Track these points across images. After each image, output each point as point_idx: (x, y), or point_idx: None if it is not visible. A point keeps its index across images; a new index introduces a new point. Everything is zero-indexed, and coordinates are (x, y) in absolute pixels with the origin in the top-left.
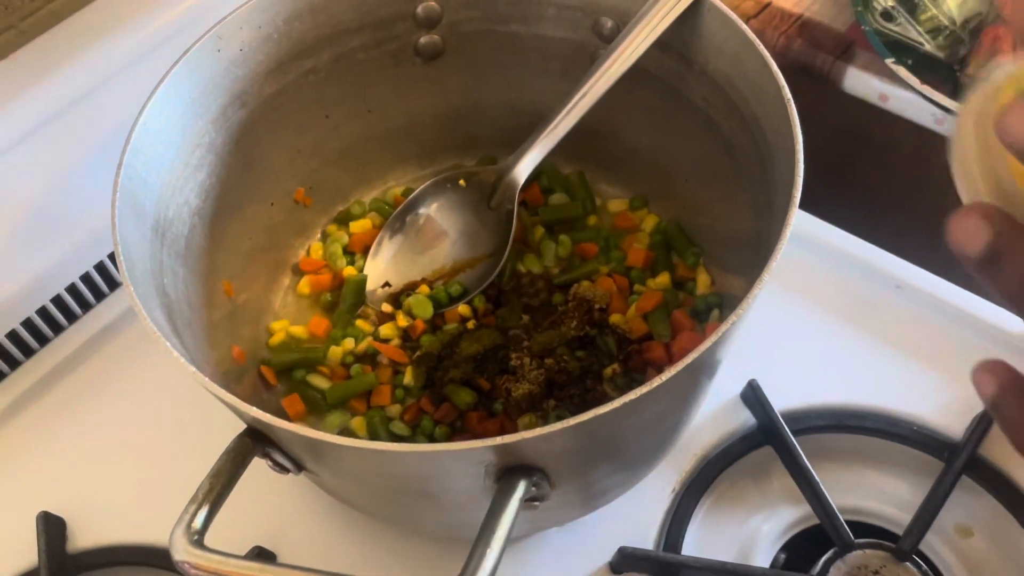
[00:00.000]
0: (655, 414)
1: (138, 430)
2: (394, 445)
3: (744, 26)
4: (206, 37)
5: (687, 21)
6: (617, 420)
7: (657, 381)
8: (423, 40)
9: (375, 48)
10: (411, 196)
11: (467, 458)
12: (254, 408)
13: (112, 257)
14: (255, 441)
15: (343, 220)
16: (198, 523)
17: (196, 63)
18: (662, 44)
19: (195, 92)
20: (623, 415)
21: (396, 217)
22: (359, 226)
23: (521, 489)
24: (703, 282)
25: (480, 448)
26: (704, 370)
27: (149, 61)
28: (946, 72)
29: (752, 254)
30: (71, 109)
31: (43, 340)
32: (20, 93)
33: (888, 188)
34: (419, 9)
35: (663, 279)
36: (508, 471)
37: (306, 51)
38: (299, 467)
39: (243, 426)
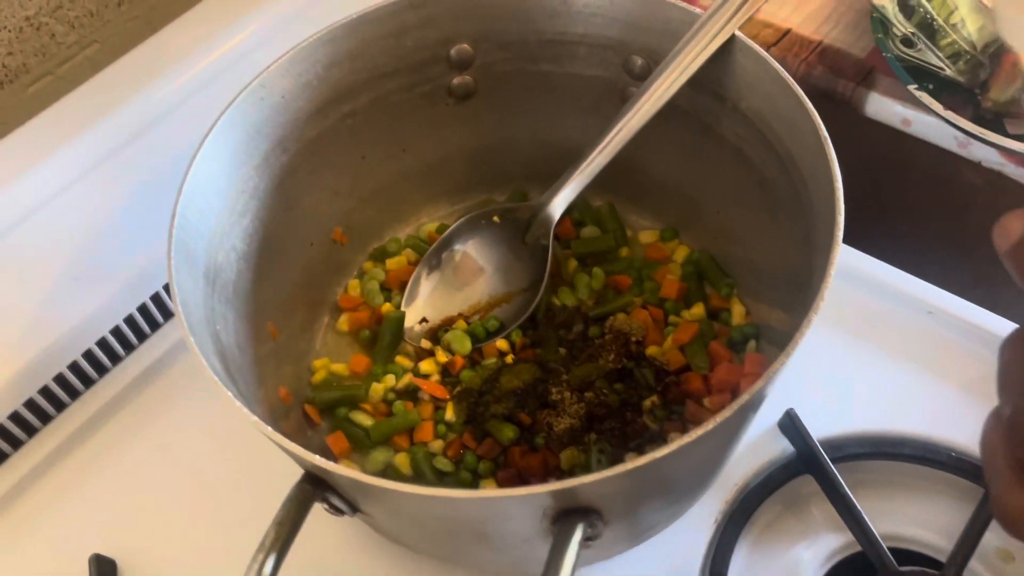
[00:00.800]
0: (705, 451)
1: (187, 470)
2: (456, 492)
3: (777, 65)
4: (250, 87)
5: (719, 60)
6: (674, 461)
7: (712, 423)
8: (456, 81)
9: (409, 90)
10: (446, 233)
11: (527, 503)
12: (316, 456)
13: (154, 299)
14: (314, 487)
15: (379, 257)
16: (267, 572)
17: (241, 112)
18: (694, 81)
19: (240, 140)
20: (680, 456)
21: (432, 254)
22: (395, 263)
23: (580, 532)
24: (738, 312)
25: (541, 494)
26: (753, 407)
27: (188, 107)
28: (967, 96)
29: (788, 286)
30: (112, 157)
31: (89, 382)
32: (64, 143)
33: (910, 211)
34: (452, 52)
35: (698, 310)
36: (565, 513)
37: (344, 95)
38: (354, 509)
39: (291, 464)
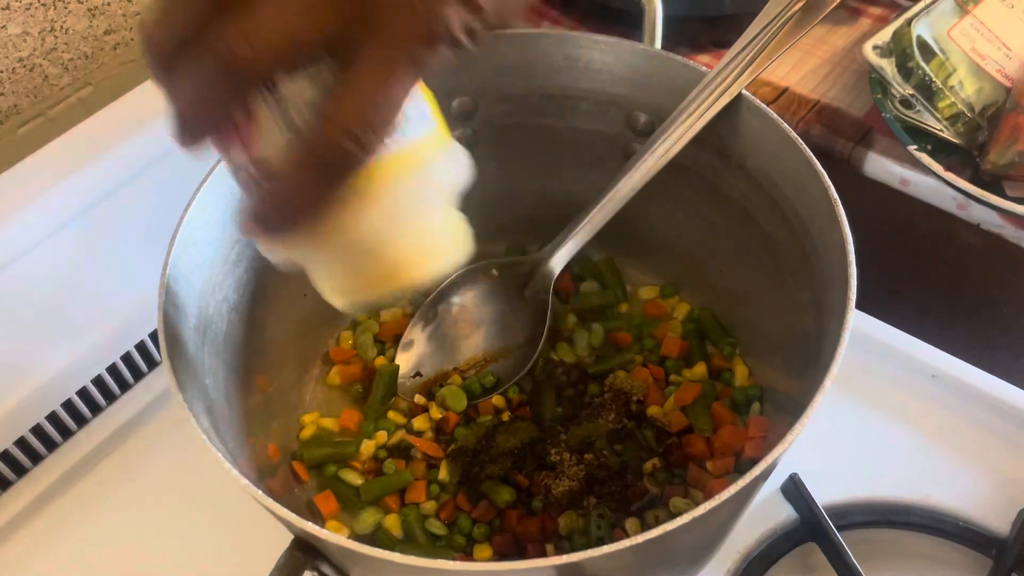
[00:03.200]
0: (714, 522)
1: (167, 530)
2: (460, 564)
3: (786, 126)
4: None
5: (725, 118)
6: (683, 533)
7: (725, 494)
8: (456, 133)
9: None
10: (443, 285)
11: None
12: (309, 523)
13: (139, 347)
14: (305, 555)
15: None
16: None
17: None
18: (698, 139)
19: (235, 187)
20: (689, 528)
21: (428, 306)
22: (390, 315)
23: None
24: (741, 373)
25: (543, 568)
26: (765, 477)
27: (181, 153)
28: (965, 157)
29: (793, 348)
30: (101, 202)
31: (68, 433)
32: (54, 186)
33: (908, 270)
34: (454, 104)
35: (700, 369)
36: None
37: None
38: None
39: (278, 526)
